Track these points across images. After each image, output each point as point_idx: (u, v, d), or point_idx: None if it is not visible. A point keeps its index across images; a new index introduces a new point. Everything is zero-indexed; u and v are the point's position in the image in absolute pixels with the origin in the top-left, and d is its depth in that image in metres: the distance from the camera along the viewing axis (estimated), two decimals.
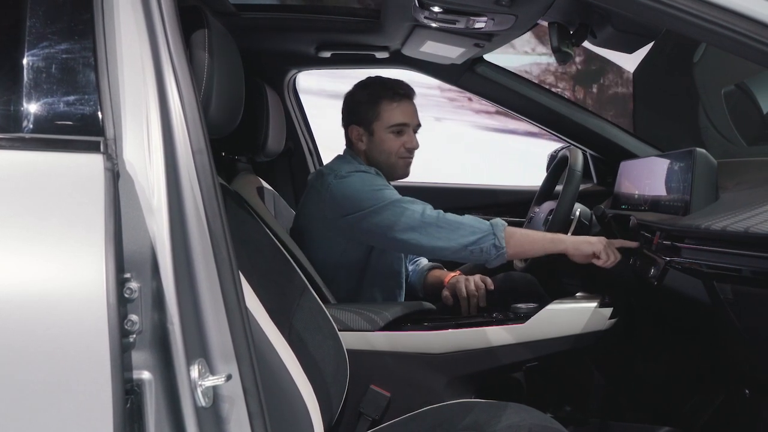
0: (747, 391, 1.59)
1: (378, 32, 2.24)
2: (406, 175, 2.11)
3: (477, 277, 2.03)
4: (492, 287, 2.00)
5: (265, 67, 2.58)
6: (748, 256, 1.27)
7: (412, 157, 2.09)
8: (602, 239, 1.79)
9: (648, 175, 1.89)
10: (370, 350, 1.69)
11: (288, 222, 2.26)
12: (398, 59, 2.45)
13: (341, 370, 1.52)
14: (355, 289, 2.03)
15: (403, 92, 2.06)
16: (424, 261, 2.32)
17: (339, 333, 1.56)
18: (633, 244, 1.80)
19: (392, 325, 1.73)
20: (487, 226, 1.82)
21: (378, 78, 2.11)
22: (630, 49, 1.87)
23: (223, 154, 2.05)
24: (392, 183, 2.05)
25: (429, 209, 1.85)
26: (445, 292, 2.06)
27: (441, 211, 1.85)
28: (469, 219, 1.84)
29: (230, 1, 2.14)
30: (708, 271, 1.39)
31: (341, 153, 2.14)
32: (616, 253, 1.78)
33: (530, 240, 1.85)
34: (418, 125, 2.09)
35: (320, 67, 2.70)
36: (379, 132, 2.04)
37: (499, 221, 1.85)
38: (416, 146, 2.08)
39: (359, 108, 2.06)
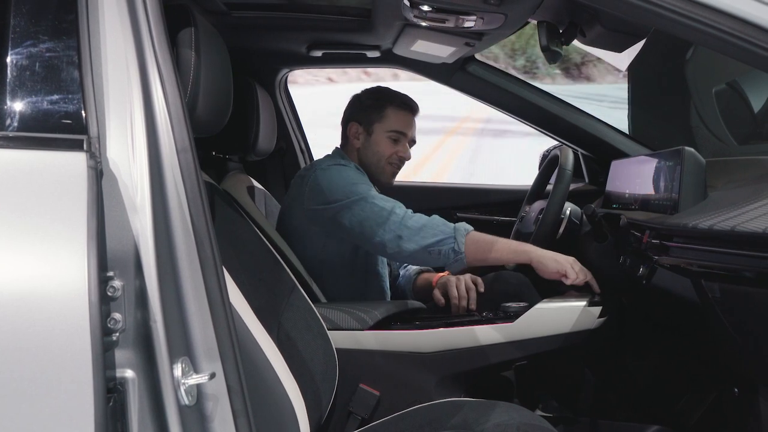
0: (736, 390, 1.59)
1: (369, 31, 2.24)
2: (390, 184, 2.15)
3: (468, 278, 2.01)
4: (482, 289, 1.99)
5: (256, 66, 2.58)
6: (735, 254, 1.27)
7: (400, 167, 2.14)
8: (571, 259, 1.77)
9: (638, 174, 1.90)
10: (360, 349, 1.70)
11: None
12: (389, 58, 2.45)
13: (330, 369, 1.52)
14: (342, 288, 2.02)
15: (411, 105, 2.14)
16: (413, 266, 2.32)
17: (328, 332, 1.57)
18: (596, 289, 1.79)
19: (382, 324, 1.73)
20: (450, 229, 1.80)
21: (389, 88, 2.17)
22: (619, 48, 1.87)
23: (214, 153, 2.05)
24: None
25: (398, 207, 1.85)
26: (437, 293, 2.05)
27: (409, 211, 1.85)
28: (435, 220, 1.82)
29: (220, 0, 2.14)
30: (696, 269, 1.39)
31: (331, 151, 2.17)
32: (586, 271, 1.77)
33: (493, 248, 1.80)
34: (414, 140, 2.15)
35: (311, 67, 2.70)
36: (378, 133, 2.09)
37: (463, 226, 1.82)
38: (408, 157, 2.14)
39: (365, 108, 2.12)
